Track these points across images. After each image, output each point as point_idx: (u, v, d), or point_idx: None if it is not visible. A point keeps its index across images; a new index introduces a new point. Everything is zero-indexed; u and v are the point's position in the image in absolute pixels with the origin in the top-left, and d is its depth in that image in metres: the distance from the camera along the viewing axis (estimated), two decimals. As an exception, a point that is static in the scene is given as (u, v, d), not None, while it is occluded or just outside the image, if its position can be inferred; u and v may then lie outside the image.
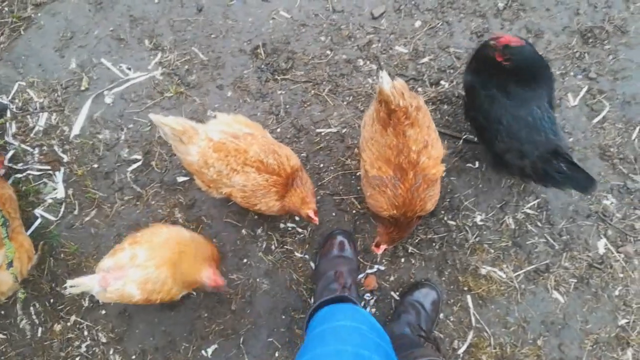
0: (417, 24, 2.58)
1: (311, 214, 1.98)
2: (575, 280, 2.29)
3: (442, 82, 2.52)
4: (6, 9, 2.72)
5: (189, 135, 1.88)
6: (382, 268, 2.37)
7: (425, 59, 2.54)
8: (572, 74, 2.47)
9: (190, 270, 1.93)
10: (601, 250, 2.31)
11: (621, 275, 2.29)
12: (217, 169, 1.91)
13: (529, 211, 2.36)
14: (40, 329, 2.39)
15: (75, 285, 1.88)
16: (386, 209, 1.86)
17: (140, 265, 1.90)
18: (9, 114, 2.55)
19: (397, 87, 1.63)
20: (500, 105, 1.96)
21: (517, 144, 1.94)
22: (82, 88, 2.56)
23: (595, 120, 2.43)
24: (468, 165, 2.43)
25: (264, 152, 1.91)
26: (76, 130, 2.53)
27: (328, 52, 2.57)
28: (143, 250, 1.92)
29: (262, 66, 2.57)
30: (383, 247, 2.07)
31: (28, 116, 2.56)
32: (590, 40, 2.49)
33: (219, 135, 1.91)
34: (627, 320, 2.24)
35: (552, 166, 1.86)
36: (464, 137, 2.44)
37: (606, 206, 2.35)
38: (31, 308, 2.41)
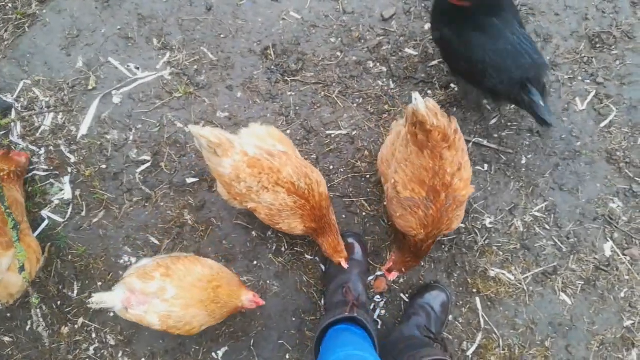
0: (427, 26, 2.58)
1: (343, 263, 2.16)
2: (582, 283, 2.32)
3: (452, 85, 2.53)
4: (10, 5, 2.67)
5: (224, 148, 1.87)
6: (393, 270, 2.39)
7: (435, 62, 2.55)
8: (580, 78, 2.50)
9: (231, 299, 1.98)
10: (607, 253, 2.35)
11: (627, 277, 2.33)
12: (248, 184, 1.91)
13: (537, 214, 2.39)
14: (47, 332, 2.36)
15: (99, 301, 1.87)
16: (415, 228, 1.89)
17: (168, 301, 1.88)
18: (14, 113, 2.51)
19: (430, 107, 1.65)
20: (477, 46, 2.02)
21: (507, 74, 2.00)
22: (90, 87, 2.53)
23: (603, 124, 2.46)
24: (477, 168, 2.45)
25: (296, 175, 1.92)
26: (84, 130, 2.50)
27: (338, 53, 2.57)
28: (173, 287, 1.90)
29: (272, 67, 2.56)
30: (395, 274, 2.15)
31: (34, 116, 2.52)
32: (598, 46, 2.52)
33: (254, 151, 1.90)
34: (632, 322, 2.28)
35: (541, 87, 1.99)
36: (474, 140, 2.46)
37: (612, 209, 2.39)
38: (38, 310, 2.38)
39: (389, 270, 2.15)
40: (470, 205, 2.41)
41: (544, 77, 2.04)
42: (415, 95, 1.65)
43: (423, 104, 1.64)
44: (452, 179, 1.77)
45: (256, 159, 1.91)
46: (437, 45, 2.30)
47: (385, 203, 2.17)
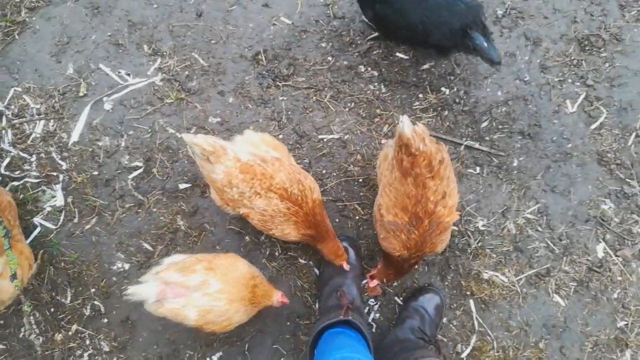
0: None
1: (345, 266, 2.18)
2: (575, 284, 2.33)
3: (442, 88, 2.54)
4: None
5: (217, 155, 1.87)
6: (386, 274, 2.39)
7: (426, 66, 2.56)
8: (569, 80, 2.52)
9: (264, 298, 2.04)
10: (600, 254, 2.36)
11: (619, 278, 2.34)
12: (240, 190, 1.90)
13: (529, 216, 2.40)
14: (40, 339, 2.35)
15: (133, 293, 1.85)
16: (398, 250, 1.91)
17: (211, 295, 1.88)
18: (4, 120, 2.50)
19: (418, 132, 1.65)
20: (411, 10, 2.12)
21: (446, 26, 2.08)
22: (80, 94, 2.53)
23: (593, 126, 2.48)
24: (469, 170, 2.46)
25: (289, 181, 1.92)
26: (75, 137, 2.49)
27: (329, 58, 2.58)
28: (217, 281, 1.90)
29: (264, 72, 2.56)
30: (376, 282, 2.17)
31: (25, 123, 2.51)
32: (587, 48, 2.54)
33: (247, 157, 1.90)
34: (625, 322, 2.29)
35: (481, 28, 2.08)
36: (465, 143, 2.47)
37: (604, 211, 2.40)
38: (31, 318, 2.37)
39: (371, 277, 2.17)
40: (462, 208, 2.42)
41: (482, 17, 2.11)
42: (403, 118, 1.64)
43: (409, 127, 1.64)
44: (435, 207, 1.78)
45: (249, 164, 1.91)
46: (374, 24, 2.36)
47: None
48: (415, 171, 1.72)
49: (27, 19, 2.62)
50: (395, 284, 2.38)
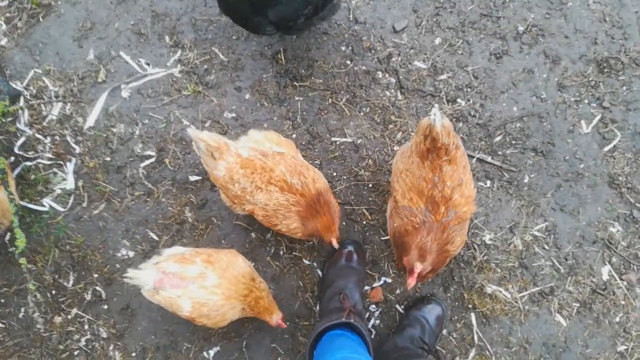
0: (437, 40, 2.61)
1: (333, 242, 2.01)
2: (578, 305, 2.32)
3: (458, 99, 2.54)
4: (26, -6, 2.69)
5: (221, 151, 1.89)
6: (389, 281, 2.39)
7: (444, 76, 2.57)
8: (586, 101, 2.52)
9: (266, 312, 2.03)
10: (605, 277, 2.35)
11: (623, 302, 2.33)
12: (241, 185, 1.92)
13: (537, 233, 2.40)
14: (40, 320, 2.36)
15: (132, 277, 1.88)
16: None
17: (207, 288, 1.88)
18: (22, 100, 2.52)
19: (446, 126, 1.66)
20: None
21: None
22: (99, 80, 2.54)
23: (606, 148, 2.47)
24: (480, 184, 2.46)
25: (289, 172, 1.92)
26: (90, 122, 2.51)
27: (348, 62, 2.59)
28: (215, 276, 1.91)
29: (282, 71, 2.58)
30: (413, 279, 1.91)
31: (42, 104, 2.53)
32: (606, 70, 2.54)
33: (247, 152, 1.92)
34: (625, 347, 2.28)
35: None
36: (477, 156, 2.47)
37: (612, 233, 2.39)
38: (32, 298, 2.38)
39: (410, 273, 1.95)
40: (471, 221, 2.41)
41: None
42: (435, 110, 1.65)
43: (440, 122, 1.66)
44: (451, 193, 1.77)
45: (249, 159, 1.92)
46: (230, 17, 2.27)
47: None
48: (432, 155, 1.73)
49: (52, 2, 2.64)
50: (397, 291, 2.38)
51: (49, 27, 2.62)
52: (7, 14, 2.64)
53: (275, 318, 2.07)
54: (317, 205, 1.98)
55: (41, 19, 2.63)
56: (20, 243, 2.06)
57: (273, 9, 2.07)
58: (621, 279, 2.35)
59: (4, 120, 2.40)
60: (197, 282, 1.89)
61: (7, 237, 2.40)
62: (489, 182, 2.46)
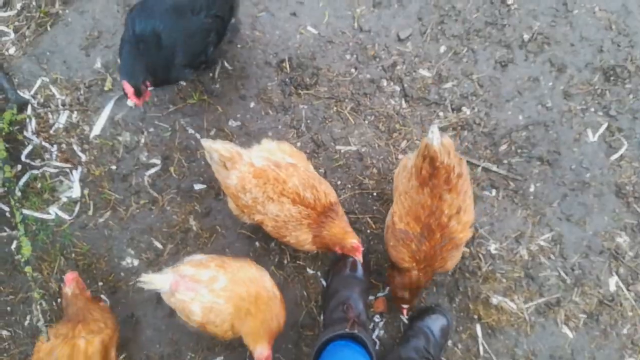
0: (442, 49, 2.60)
1: (356, 243, 1.89)
2: (585, 316, 2.30)
3: (463, 108, 2.53)
4: (34, 3, 2.71)
5: (234, 161, 1.89)
6: (394, 290, 2.37)
7: (449, 85, 2.56)
8: (592, 110, 2.50)
9: (250, 336, 1.91)
10: (612, 288, 2.33)
11: (630, 313, 2.30)
12: (253, 195, 1.92)
13: (543, 243, 2.38)
14: (46, 327, 2.36)
15: (148, 281, 1.87)
16: (407, 261, 1.90)
17: (214, 292, 1.87)
18: (30, 109, 2.54)
19: (445, 144, 1.65)
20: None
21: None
22: (106, 89, 2.56)
23: (613, 157, 2.45)
24: (485, 193, 2.45)
25: (302, 186, 1.92)
26: (97, 130, 2.53)
27: (352, 70, 2.59)
28: (225, 279, 1.89)
29: (287, 80, 2.58)
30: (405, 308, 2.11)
31: (49, 113, 2.55)
32: (612, 78, 2.52)
33: (261, 162, 1.92)
34: (633, 359, 2.25)
35: None
36: (483, 165, 2.46)
37: (619, 244, 2.37)
38: (37, 306, 2.38)
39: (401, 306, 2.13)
40: (475, 230, 2.40)
41: None
42: (433, 128, 1.63)
43: (438, 140, 1.64)
44: (448, 221, 1.78)
45: (262, 169, 1.92)
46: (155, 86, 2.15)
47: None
48: (433, 182, 1.72)
49: (60, 11, 2.67)
50: (402, 301, 2.36)
51: (57, 36, 2.64)
52: (16, 23, 2.67)
53: (259, 352, 1.89)
54: (330, 213, 1.98)
55: (49, 28, 2.65)
56: (25, 251, 2.07)
57: (180, 51, 2.01)
58: (629, 290, 2.32)
59: (11, 129, 2.42)
60: (208, 286, 1.88)
61: (14, 245, 2.42)
62: (494, 191, 2.45)
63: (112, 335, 2.09)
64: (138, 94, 1.92)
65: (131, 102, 2.12)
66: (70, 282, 2.09)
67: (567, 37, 2.58)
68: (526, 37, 2.58)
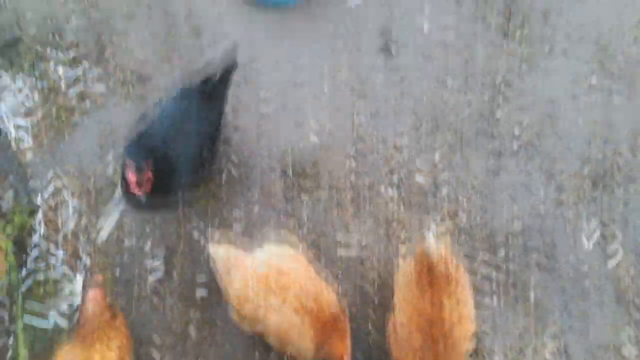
0: (437, 156, 2.73)
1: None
2: None
3: (459, 213, 2.62)
4: (54, 111, 2.89)
5: (237, 267, 1.94)
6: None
7: (444, 192, 2.66)
8: (584, 216, 2.58)
9: None
10: (623, 404, 2.25)
11: None
12: (255, 304, 1.93)
13: (549, 357, 2.34)
14: None
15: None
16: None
17: None
18: (40, 214, 2.63)
19: (443, 256, 1.71)
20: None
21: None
22: (116, 195, 2.66)
23: (610, 264, 2.49)
24: (485, 300, 2.45)
25: (305, 295, 1.93)
26: (104, 236, 2.59)
27: (352, 177, 2.71)
28: None
29: (289, 184, 2.70)
30: None
31: (59, 217, 2.63)
32: (601, 186, 2.63)
33: (263, 269, 1.96)
34: None
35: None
36: (481, 271, 2.49)
37: (626, 357, 2.33)
38: None
39: None
40: (479, 341, 2.37)
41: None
42: (429, 237, 1.70)
43: (436, 250, 1.70)
44: (451, 329, 1.78)
45: (264, 276, 1.95)
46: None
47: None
48: (433, 288, 1.74)
49: (78, 120, 2.84)
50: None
51: (73, 142, 2.79)
52: (35, 129, 2.84)
53: None
54: (333, 328, 1.97)
55: (66, 136, 2.81)
56: (22, 364, 2.03)
57: (180, 168, 2.11)
58: (641, 407, 2.25)
59: (22, 234, 2.49)
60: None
61: (9, 354, 2.38)
62: (495, 299, 2.45)
63: None
64: (140, 181, 1.92)
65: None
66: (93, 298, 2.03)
67: (555, 146, 2.72)
68: (515, 147, 2.73)
